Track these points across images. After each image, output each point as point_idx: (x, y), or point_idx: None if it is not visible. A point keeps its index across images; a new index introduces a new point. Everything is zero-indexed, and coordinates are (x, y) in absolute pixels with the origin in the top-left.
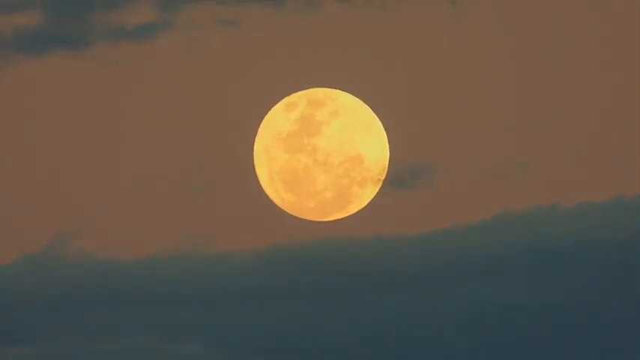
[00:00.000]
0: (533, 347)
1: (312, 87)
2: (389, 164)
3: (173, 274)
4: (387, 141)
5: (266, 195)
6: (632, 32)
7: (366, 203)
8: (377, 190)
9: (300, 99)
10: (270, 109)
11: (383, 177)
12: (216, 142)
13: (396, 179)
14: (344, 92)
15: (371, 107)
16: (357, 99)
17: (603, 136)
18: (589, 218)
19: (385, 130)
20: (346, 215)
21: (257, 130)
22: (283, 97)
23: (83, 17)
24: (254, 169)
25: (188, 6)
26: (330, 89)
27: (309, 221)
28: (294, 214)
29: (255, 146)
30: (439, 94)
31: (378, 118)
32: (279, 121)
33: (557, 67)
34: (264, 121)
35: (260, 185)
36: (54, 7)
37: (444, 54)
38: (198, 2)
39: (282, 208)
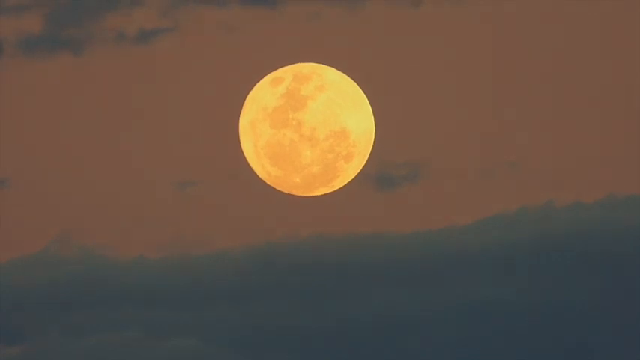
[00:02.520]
0: (523, 344)
1: (298, 62)
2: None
3: (166, 267)
4: (372, 116)
5: (252, 170)
6: (623, 31)
7: (352, 178)
8: (363, 165)
9: (285, 74)
10: (255, 84)
11: (366, 156)
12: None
13: (386, 178)
14: (330, 67)
15: (357, 82)
16: (343, 74)
17: (595, 135)
18: (581, 218)
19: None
20: (332, 190)
21: (242, 105)
22: (269, 72)
23: (86, 22)
24: (239, 143)
25: (190, 10)
26: (316, 64)
27: (295, 196)
28: (280, 189)
29: (240, 121)
30: (429, 89)
31: (363, 93)
32: (265, 96)
33: (550, 66)
34: (249, 95)
35: (245, 160)
36: (57, 12)
37: (436, 51)
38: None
39: (268, 183)
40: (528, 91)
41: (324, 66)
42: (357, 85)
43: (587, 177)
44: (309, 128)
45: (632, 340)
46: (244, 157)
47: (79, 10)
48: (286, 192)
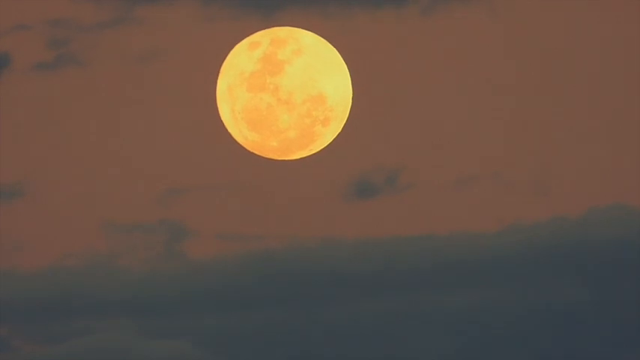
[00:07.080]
0: (518, 351)
1: (275, 26)
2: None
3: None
4: (350, 80)
5: (229, 134)
6: (612, 41)
7: (329, 142)
8: (340, 129)
9: (262, 38)
10: (232, 49)
11: (344, 118)
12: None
13: (366, 184)
14: (307, 31)
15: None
16: (321, 38)
17: (577, 146)
18: (564, 232)
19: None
20: (309, 154)
21: (220, 70)
22: (246, 37)
23: (88, 37)
24: (217, 108)
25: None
26: (293, 28)
27: (273, 160)
28: (258, 153)
29: (218, 85)
30: (420, 88)
31: (341, 57)
32: (242, 60)
33: (546, 67)
34: (226, 60)
35: (223, 124)
36: (59, 27)
37: (423, 52)
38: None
39: (246, 147)
40: (524, 92)
41: (300, 30)
42: (335, 50)
43: (570, 189)
44: (286, 92)
45: (630, 347)
46: (222, 122)
47: (82, 25)
48: (264, 156)
